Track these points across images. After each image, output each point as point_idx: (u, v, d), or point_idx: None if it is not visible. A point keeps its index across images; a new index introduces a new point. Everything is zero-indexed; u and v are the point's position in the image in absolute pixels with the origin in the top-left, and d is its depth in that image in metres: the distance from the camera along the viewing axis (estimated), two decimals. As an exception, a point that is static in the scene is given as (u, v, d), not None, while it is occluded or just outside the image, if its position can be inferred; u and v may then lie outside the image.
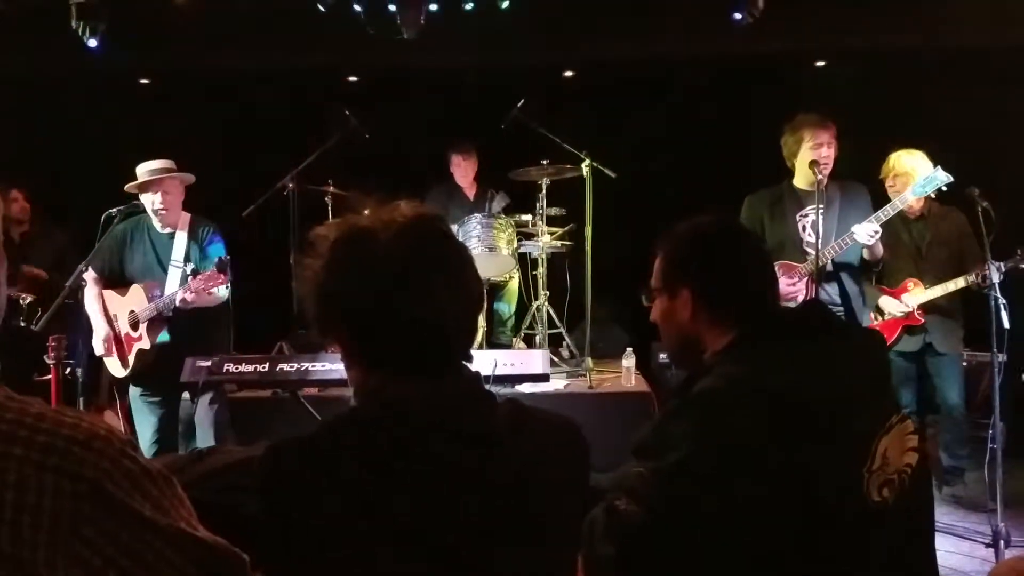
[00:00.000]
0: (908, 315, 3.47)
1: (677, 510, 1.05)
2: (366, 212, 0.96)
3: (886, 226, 3.11)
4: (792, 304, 3.04)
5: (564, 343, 4.22)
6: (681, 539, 1.05)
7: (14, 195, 4.33)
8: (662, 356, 4.38)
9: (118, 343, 3.24)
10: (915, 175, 3.27)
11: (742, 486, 1.03)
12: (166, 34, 4.55)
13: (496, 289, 4.66)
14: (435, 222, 0.97)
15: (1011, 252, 3.22)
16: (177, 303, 3.03)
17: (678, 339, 1.28)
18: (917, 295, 3.46)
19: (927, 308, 3.45)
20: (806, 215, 3.24)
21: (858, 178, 3.34)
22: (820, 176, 3.03)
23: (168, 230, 3.26)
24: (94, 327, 3.24)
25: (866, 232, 3.03)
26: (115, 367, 3.27)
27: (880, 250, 3.16)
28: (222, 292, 3.12)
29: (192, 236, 3.25)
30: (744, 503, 1.03)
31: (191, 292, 2.96)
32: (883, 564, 1.10)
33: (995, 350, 2.92)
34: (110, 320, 3.24)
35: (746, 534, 1.03)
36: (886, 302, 3.51)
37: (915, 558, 1.17)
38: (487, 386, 0.97)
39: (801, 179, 3.27)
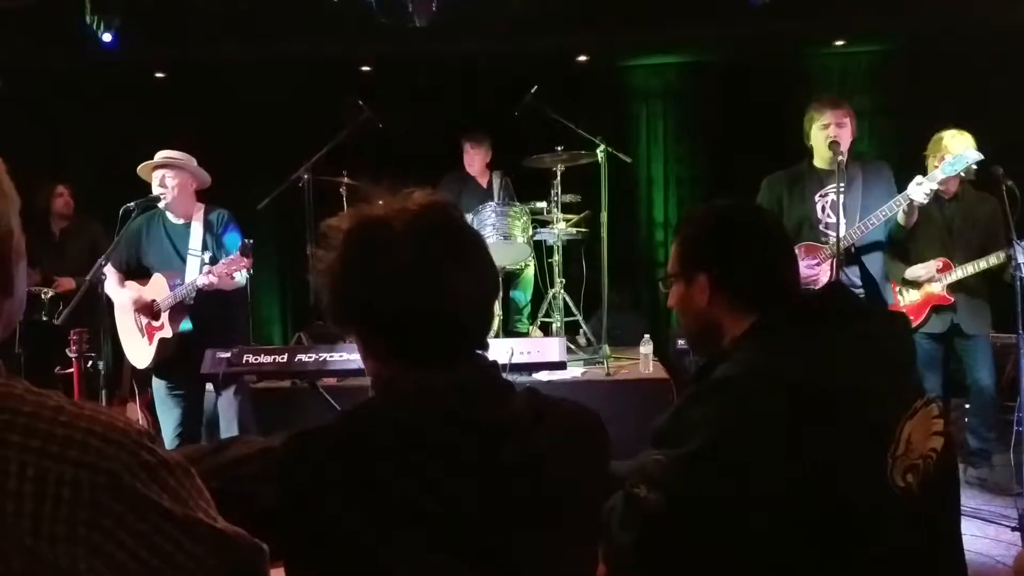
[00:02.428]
0: (936, 294, 3.39)
1: (696, 497, 1.04)
2: (380, 202, 0.95)
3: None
4: (813, 287, 3.02)
5: (581, 331, 4.20)
6: (700, 526, 1.04)
7: (59, 190, 4.36)
8: (680, 342, 4.36)
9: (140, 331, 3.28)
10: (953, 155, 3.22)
11: (761, 473, 1.02)
12: (179, 27, 4.56)
13: (512, 277, 4.65)
14: (448, 210, 0.95)
15: None
16: (199, 286, 3.07)
17: (696, 325, 1.26)
18: (947, 275, 3.39)
19: (954, 288, 3.37)
20: (825, 195, 3.20)
21: (901, 158, 3.31)
22: (840, 156, 3.00)
23: (182, 220, 3.29)
24: (119, 304, 3.25)
25: (923, 192, 3.02)
26: (137, 359, 3.31)
27: (916, 217, 3.19)
28: (242, 276, 3.16)
29: (207, 225, 3.28)
30: (763, 490, 1.02)
31: (214, 276, 3.00)
32: (908, 550, 1.08)
33: (1020, 332, 2.87)
34: (134, 302, 3.27)
35: (766, 521, 1.02)
36: (914, 269, 3.38)
37: (941, 543, 1.15)
38: (504, 374, 0.96)
39: (820, 159, 3.24)
